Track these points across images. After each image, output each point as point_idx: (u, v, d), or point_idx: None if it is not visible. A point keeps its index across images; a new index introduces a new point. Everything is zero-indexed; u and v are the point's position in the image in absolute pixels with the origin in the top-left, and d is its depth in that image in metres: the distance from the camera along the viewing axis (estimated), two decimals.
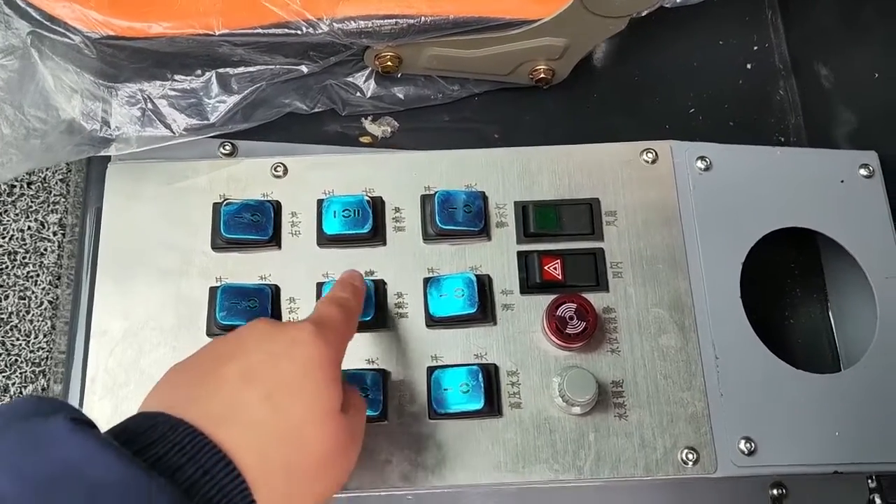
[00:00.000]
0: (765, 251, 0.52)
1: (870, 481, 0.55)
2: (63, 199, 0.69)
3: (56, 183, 0.67)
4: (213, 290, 0.49)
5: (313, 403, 0.35)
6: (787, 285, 0.59)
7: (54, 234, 0.67)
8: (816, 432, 0.48)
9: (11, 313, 0.64)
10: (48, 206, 0.67)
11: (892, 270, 0.51)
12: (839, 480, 0.53)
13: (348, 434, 0.36)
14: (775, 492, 0.53)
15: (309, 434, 0.34)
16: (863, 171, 0.54)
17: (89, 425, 0.30)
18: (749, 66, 0.66)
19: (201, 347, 0.38)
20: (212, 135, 0.50)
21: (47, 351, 0.68)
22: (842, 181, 0.53)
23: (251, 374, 0.34)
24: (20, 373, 0.65)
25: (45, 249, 0.66)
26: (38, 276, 0.65)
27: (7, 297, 0.64)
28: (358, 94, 0.55)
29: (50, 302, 0.66)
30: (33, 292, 0.65)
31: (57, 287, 0.67)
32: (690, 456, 0.46)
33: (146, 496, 0.27)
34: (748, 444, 0.46)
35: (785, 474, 0.49)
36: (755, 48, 0.66)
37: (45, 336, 0.66)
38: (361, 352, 0.48)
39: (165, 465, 0.30)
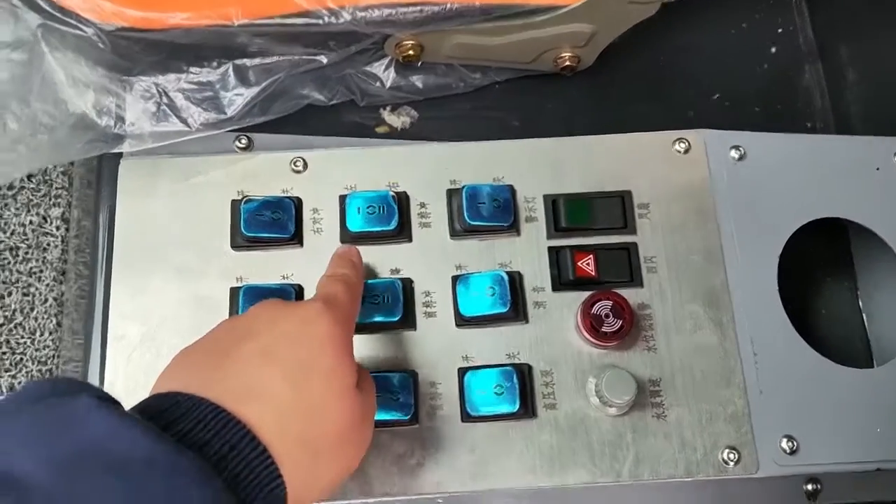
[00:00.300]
0: (794, 242, 0.50)
1: None
2: (66, 193, 0.67)
3: (57, 176, 0.65)
4: (233, 291, 0.47)
5: (331, 380, 0.35)
6: (817, 276, 0.57)
7: (57, 228, 0.65)
8: (858, 429, 0.46)
9: (15, 310, 0.62)
10: (50, 199, 0.65)
11: None
12: (874, 474, 0.53)
13: (364, 409, 0.37)
14: (810, 487, 0.52)
15: (329, 410, 0.34)
16: None
17: (114, 403, 0.30)
18: (774, 49, 0.64)
19: (209, 331, 0.38)
20: (228, 129, 0.48)
21: (54, 350, 0.66)
22: (877, 169, 0.52)
23: (269, 352, 0.34)
24: (26, 371, 0.63)
25: (48, 244, 0.64)
26: (41, 272, 0.63)
27: (10, 293, 0.62)
28: (377, 83, 0.53)
29: (55, 299, 0.64)
30: (37, 289, 0.63)
31: (62, 283, 0.65)
32: (732, 456, 0.45)
33: (176, 471, 0.27)
34: (790, 443, 0.45)
35: (827, 472, 0.47)
36: (780, 31, 0.65)
37: (50, 334, 0.64)
38: (389, 353, 0.46)
39: (191, 440, 0.29)
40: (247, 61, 0.47)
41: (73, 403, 0.28)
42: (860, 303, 0.56)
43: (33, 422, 0.27)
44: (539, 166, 0.50)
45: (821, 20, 0.64)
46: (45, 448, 0.26)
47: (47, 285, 0.66)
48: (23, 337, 0.63)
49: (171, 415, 0.30)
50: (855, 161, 0.52)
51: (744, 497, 0.52)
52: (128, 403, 0.45)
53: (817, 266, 0.58)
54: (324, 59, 0.48)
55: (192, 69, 0.47)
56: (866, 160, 0.52)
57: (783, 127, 0.61)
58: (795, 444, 0.45)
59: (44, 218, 0.66)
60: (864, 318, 0.55)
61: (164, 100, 0.46)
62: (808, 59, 0.64)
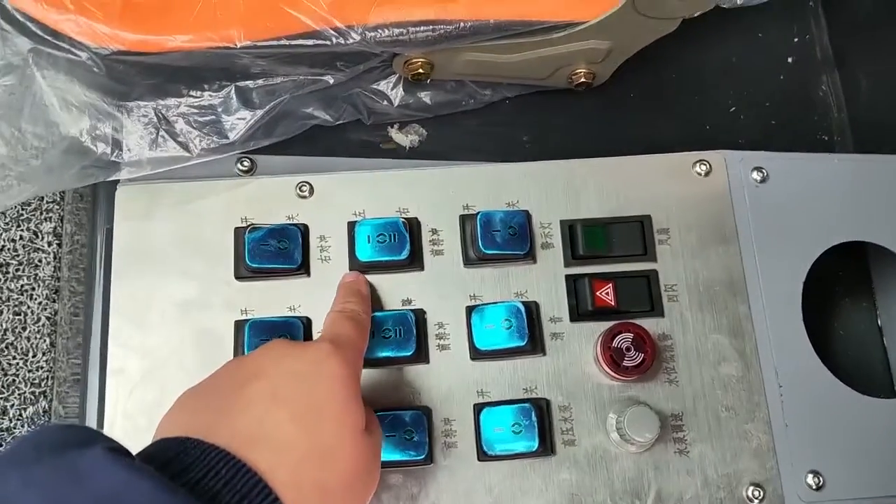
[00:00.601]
0: (813, 265, 0.49)
1: None
2: (57, 207, 0.64)
3: None
4: (238, 325, 0.45)
5: (341, 422, 0.34)
6: (835, 301, 0.56)
7: (49, 244, 0.63)
8: (884, 461, 0.45)
9: (7, 330, 0.60)
10: (41, 213, 0.62)
11: None
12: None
13: (373, 452, 0.36)
14: None
15: (340, 454, 0.34)
16: None
17: (126, 454, 0.29)
18: (790, 59, 0.62)
19: (214, 372, 0.37)
20: (231, 154, 0.46)
21: (47, 371, 0.63)
22: None
23: (278, 394, 0.34)
24: (19, 394, 0.61)
25: (40, 261, 0.62)
26: (33, 289, 0.61)
27: (1, 312, 0.60)
28: (385, 102, 0.51)
29: (48, 318, 0.62)
30: (29, 307, 0.61)
31: (55, 301, 0.63)
32: (756, 493, 0.43)
33: None
34: (816, 479, 0.44)
35: None
36: (796, 40, 0.63)
37: (44, 354, 0.62)
38: (401, 388, 0.45)
39: (202, 490, 0.29)
40: (250, 83, 0.45)
41: (88, 454, 0.27)
42: (881, 328, 0.54)
43: (51, 473, 0.26)
44: (555, 190, 0.48)
45: (837, 28, 0.62)
46: (60, 501, 0.26)
47: (40, 303, 0.63)
48: (14, 357, 0.61)
49: (179, 463, 0.29)
50: (879, 181, 0.50)
51: None
52: (130, 442, 0.43)
53: (835, 290, 0.56)
54: (330, 80, 0.46)
55: (193, 92, 0.44)
56: (890, 180, 0.50)
57: (800, 139, 0.60)
58: (821, 479, 0.44)
59: (35, 233, 0.64)
60: (886, 344, 0.54)
61: (164, 125, 0.44)
62: (824, 68, 0.62)
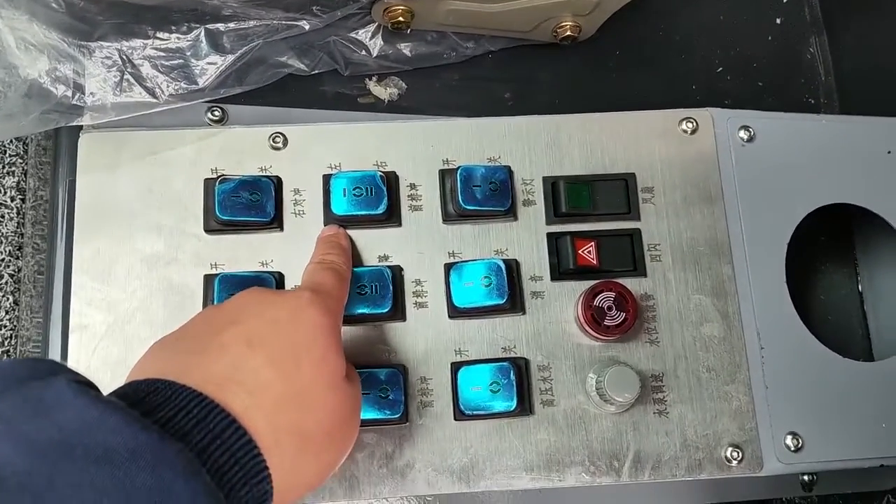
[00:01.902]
0: (796, 228, 0.48)
1: None
2: (20, 161, 0.62)
3: (10, 141, 0.60)
4: (208, 279, 0.43)
5: (320, 370, 0.33)
6: (817, 264, 0.55)
7: (12, 199, 0.60)
8: (863, 425, 0.45)
9: None
10: (3, 167, 0.60)
11: None
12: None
13: (352, 402, 0.35)
14: (806, 478, 0.51)
15: (317, 400, 0.33)
16: None
17: (91, 387, 0.28)
18: (779, 20, 0.61)
19: (189, 320, 0.36)
20: (201, 101, 0.44)
21: (11, 329, 0.62)
22: (889, 152, 0.50)
23: (255, 338, 0.32)
24: None
25: (3, 216, 0.59)
26: None
27: None
28: (363, 52, 0.49)
29: (11, 275, 0.60)
30: None
31: (18, 258, 0.61)
32: (735, 454, 0.43)
33: (161, 463, 0.25)
34: (795, 440, 0.44)
35: (831, 470, 0.46)
36: (785, 1, 0.61)
37: (6, 313, 0.60)
38: (377, 346, 0.43)
39: (172, 429, 0.27)
40: (220, 26, 0.43)
41: (54, 385, 0.26)
42: (861, 290, 0.54)
43: (14, 404, 0.25)
44: (538, 146, 0.47)
45: None
46: (26, 433, 0.24)
47: (2, 260, 0.61)
48: None
49: (150, 403, 0.28)
50: (865, 143, 0.49)
51: (740, 487, 0.50)
52: None
53: (816, 249, 0.56)
54: (305, 25, 0.44)
55: (160, 34, 0.42)
56: (878, 143, 0.50)
57: (786, 101, 0.59)
58: (800, 441, 0.44)
59: None
60: (866, 308, 0.54)
61: (128, 68, 0.41)
62: (812, 30, 0.61)
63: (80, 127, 0.45)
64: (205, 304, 0.43)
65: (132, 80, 0.42)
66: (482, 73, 0.55)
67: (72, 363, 0.42)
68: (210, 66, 0.43)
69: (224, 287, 0.42)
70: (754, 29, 0.60)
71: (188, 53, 0.42)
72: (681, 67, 0.58)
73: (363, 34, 0.48)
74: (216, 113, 0.47)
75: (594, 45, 0.56)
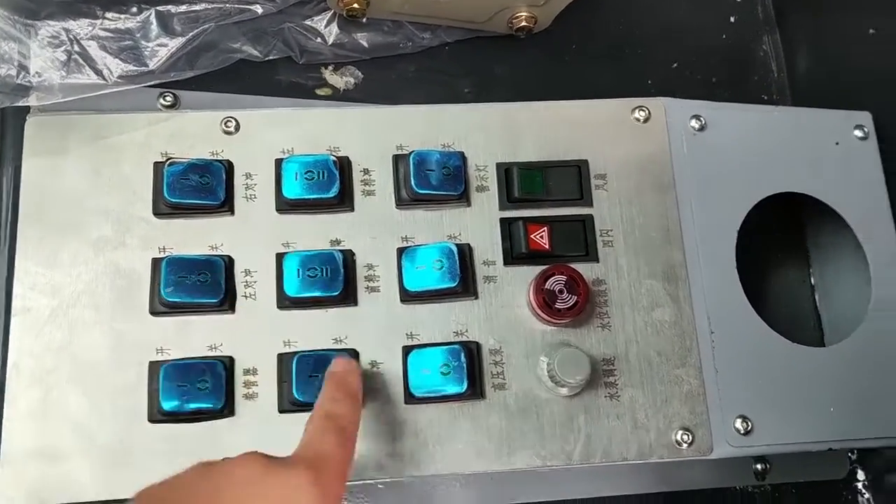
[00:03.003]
0: (748, 216, 0.48)
1: (851, 454, 0.54)
2: None
3: None
4: (156, 263, 0.43)
5: None
6: (769, 252, 0.56)
7: None
8: (812, 409, 0.45)
9: None
10: None
11: (886, 238, 0.49)
12: (821, 454, 0.52)
13: None
14: (759, 466, 0.52)
15: None
16: (857, 133, 0.51)
17: None
18: (732, 18, 0.62)
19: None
20: (150, 84, 0.44)
21: None
22: (836, 143, 0.50)
23: None
24: None
25: None
26: None
27: None
28: (318, 39, 0.49)
29: None
30: None
31: None
32: (686, 437, 0.43)
33: None
34: (744, 423, 0.44)
35: (780, 454, 0.46)
36: (739, 0, 0.63)
37: None
38: (328, 330, 0.43)
39: None
40: (171, 8, 0.43)
41: None
42: (812, 279, 0.55)
43: None
44: (492, 133, 0.47)
45: None
46: None
47: None
48: None
49: None
50: (815, 135, 0.50)
51: (693, 475, 0.51)
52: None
53: (769, 240, 0.56)
54: (259, 9, 0.44)
55: (108, 14, 0.42)
56: (826, 134, 0.51)
57: (740, 97, 0.60)
58: (750, 424, 0.44)
59: None
60: (817, 295, 0.54)
61: (76, 48, 0.41)
62: (766, 29, 0.62)
63: (27, 109, 0.44)
64: (152, 288, 0.42)
65: (80, 60, 0.41)
66: (440, 66, 0.55)
67: (13, 347, 0.41)
68: (160, 49, 0.43)
69: (172, 269, 0.42)
70: (709, 26, 0.62)
71: (138, 35, 0.42)
72: (637, 62, 0.59)
73: (318, 21, 0.48)
74: (168, 98, 0.47)
75: (553, 39, 0.57)
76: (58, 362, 0.41)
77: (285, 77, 0.51)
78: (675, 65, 0.59)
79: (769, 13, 0.63)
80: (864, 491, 0.53)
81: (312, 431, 0.36)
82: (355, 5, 0.46)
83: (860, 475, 0.53)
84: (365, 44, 0.51)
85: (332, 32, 0.49)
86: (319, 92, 0.53)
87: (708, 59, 0.60)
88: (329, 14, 0.49)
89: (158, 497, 0.32)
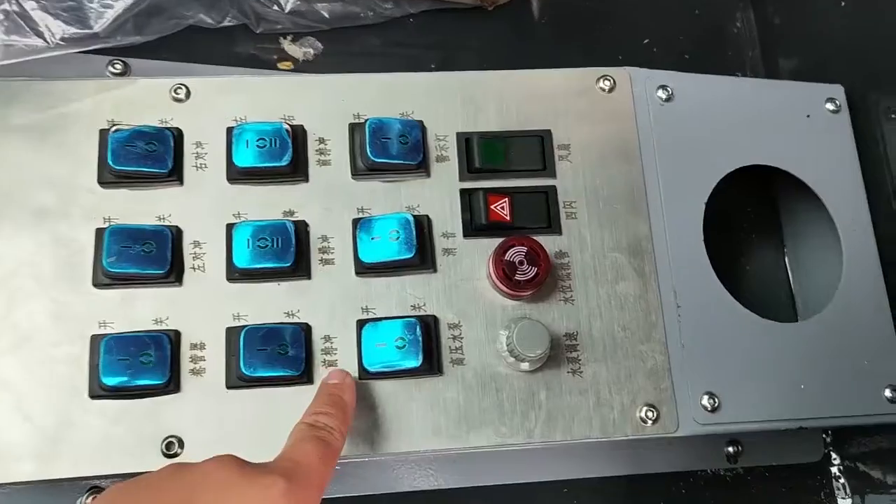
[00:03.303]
0: (719, 191, 0.47)
1: (826, 436, 0.52)
2: None
3: None
4: (99, 233, 0.41)
5: None
6: (742, 227, 0.55)
7: None
8: (782, 386, 0.44)
9: None
10: None
11: (858, 212, 0.48)
12: (795, 436, 0.51)
13: None
14: (731, 449, 0.50)
15: None
16: (829, 106, 0.50)
17: None
18: None
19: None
20: (96, 47, 0.42)
21: None
22: (808, 116, 0.49)
23: None
24: None
25: None
26: None
27: None
28: (275, 7, 0.47)
29: None
30: None
31: None
32: (650, 414, 0.42)
33: None
34: (711, 400, 0.42)
35: (749, 431, 0.45)
36: None
37: None
38: (280, 304, 0.41)
39: None
40: None
41: None
42: (785, 255, 0.54)
43: None
44: (452, 102, 0.45)
45: None
46: None
47: None
48: None
49: None
50: (785, 107, 0.49)
51: (665, 457, 0.49)
52: None
53: (742, 217, 0.55)
54: None
55: None
56: (797, 106, 0.49)
57: (713, 74, 0.58)
58: (717, 401, 0.42)
59: None
60: (789, 271, 0.53)
61: (14, 7, 0.39)
62: (739, 5, 0.61)
63: None
64: (95, 260, 0.40)
65: (19, 20, 0.39)
66: (404, 39, 0.54)
67: None
68: (105, 11, 0.41)
69: (115, 239, 0.40)
70: (682, 2, 0.60)
71: None
72: (607, 38, 0.58)
73: None
74: (117, 66, 0.45)
75: (521, 13, 0.55)
76: None
77: (242, 48, 0.50)
78: (647, 41, 0.58)
79: None
80: (838, 475, 0.52)
81: (295, 440, 0.35)
82: None
83: (835, 458, 0.52)
84: (325, 14, 0.49)
85: (289, 0, 0.48)
86: (281, 66, 0.51)
87: (680, 36, 0.59)
88: None
89: (130, 493, 0.31)
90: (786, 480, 0.52)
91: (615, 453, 0.48)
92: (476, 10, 0.53)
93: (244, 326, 0.40)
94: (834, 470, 0.52)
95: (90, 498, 0.42)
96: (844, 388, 0.45)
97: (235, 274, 0.41)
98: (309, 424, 0.36)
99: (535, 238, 0.42)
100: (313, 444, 0.34)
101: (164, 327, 0.40)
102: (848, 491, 0.51)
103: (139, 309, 0.40)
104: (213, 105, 0.44)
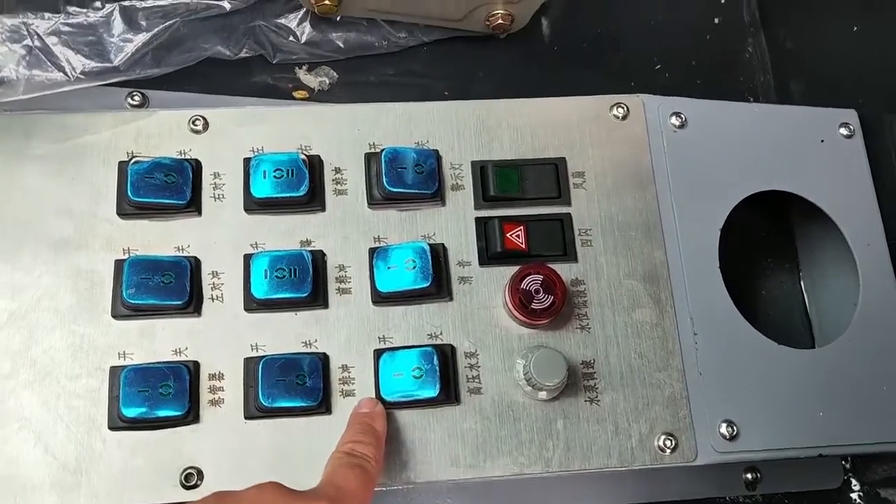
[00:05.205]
0: (734, 216, 0.47)
1: (845, 463, 0.52)
2: None
3: None
4: (118, 264, 0.41)
5: None
6: (757, 253, 0.55)
7: None
8: (800, 413, 0.44)
9: None
10: None
11: (874, 236, 0.48)
12: (814, 462, 0.50)
13: None
14: (749, 476, 0.50)
15: None
16: (843, 131, 0.50)
17: None
18: (717, 20, 0.61)
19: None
20: (116, 81, 0.43)
21: None
22: (822, 141, 0.49)
23: None
24: None
25: None
26: None
27: None
28: (291, 38, 0.48)
29: None
30: None
31: None
32: (668, 442, 0.41)
33: None
34: (730, 428, 0.42)
35: (768, 459, 0.45)
36: (723, 1, 0.62)
37: None
38: (298, 333, 0.41)
39: None
40: (136, 3, 0.42)
41: None
42: (801, 281, 0.54)
43: None
44: (467, 131, 0.46)
45: None
46: None
47: None
48: None
49: None
50: (799, 132, 0.49)
51: (683, 484, 0.49)
52: None
53: (757, 242, 0.55)
54: (226, 5, 0.43)
55: (71, 8, 0.41)
56: (810, 132, 0.49)
57: (725, 99, 0.58)
58: (735, 429, 0.42)
59: None
60: (805, 296, 0.53)
61: (37, 43, 0.40)
62: (750, 31, 0.62)
63: None
64: (114, 292, 0.41)
65: (41, 55, 0.40)
66: (417, 68, 0.54)
67: None
68: (125, 44, 0.42)
69: (134, 270, 0.40)
70: (693, 27, 0.61)
71: (101, 30, 0.41)
72: (619, 64, 0.58)
73: (291, 19, 0.48)
74: (136, 98, 0.46)
75: (533, 40, 0.56)
76: (16, 367, 0.40)
77: (259, 78, 0.50)
78: (658, 66, 0.59)
79: (754, 14, 0.62)
80: (858, 501, 0.51)
81: (335, 468, 0.36)
82: (326, 2, 0.45)
83: (855, 485, 0.52)
84: (340, 43, 0.50)
85: (304, 31, 0.48)
86: (297, 95, 0.52)
87: (692, 61, 0.59)
88: (302, 12, 0.48)
89: None
90: None
91: (633, 481, 0.48)
92: (488, 38, 0.53)
93: (262, 357, 0.40)
94: (854, 496, 0.52)
95: None
96: (863, 414, 0.44)
97: (253, 304, 0.41)
98: (346, 453, 0.36)
99: (550, 266, 0.42)
100: (354, 472, 0.35)
101: (183, 358, 0.40)
102: None
103: (158, 340, 0.41)
104: (230, 136, 0.44)
